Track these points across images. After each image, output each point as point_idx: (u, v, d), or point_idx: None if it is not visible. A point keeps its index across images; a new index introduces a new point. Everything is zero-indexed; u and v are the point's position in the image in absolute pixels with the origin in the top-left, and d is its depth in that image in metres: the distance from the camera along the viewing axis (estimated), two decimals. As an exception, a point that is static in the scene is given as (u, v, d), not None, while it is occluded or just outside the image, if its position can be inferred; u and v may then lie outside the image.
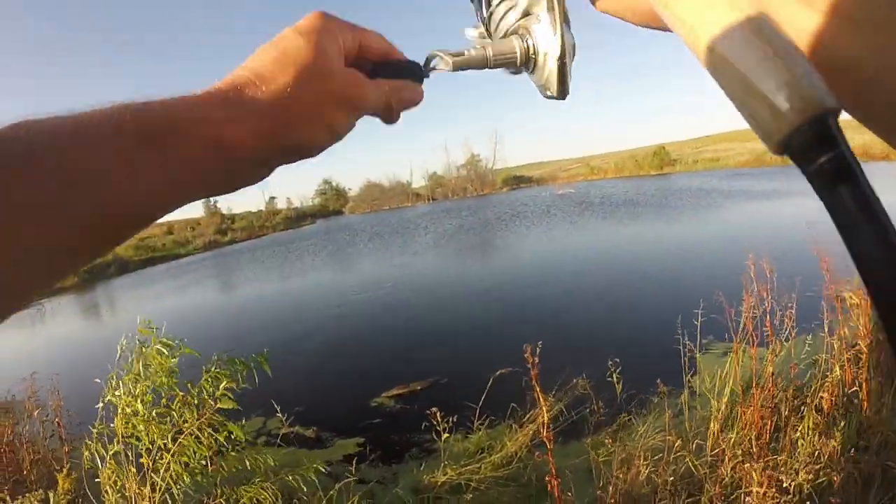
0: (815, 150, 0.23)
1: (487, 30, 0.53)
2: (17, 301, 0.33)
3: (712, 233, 13.31)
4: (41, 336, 15.41)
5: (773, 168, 30.78)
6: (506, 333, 7.44)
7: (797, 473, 2.71)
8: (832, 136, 0.23)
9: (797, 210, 13.18)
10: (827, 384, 3.29)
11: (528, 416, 4.53)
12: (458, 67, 0.50)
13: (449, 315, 9.62)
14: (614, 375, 4.21)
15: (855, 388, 3.20)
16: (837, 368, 3.32)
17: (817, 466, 2.71)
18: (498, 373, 4.86)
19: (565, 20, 0.46)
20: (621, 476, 3.27)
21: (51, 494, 3.36)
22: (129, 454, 3.01)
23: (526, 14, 0.48)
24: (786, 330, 3.58)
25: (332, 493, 3.69)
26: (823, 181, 0.23)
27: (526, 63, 0.48)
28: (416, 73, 0.53)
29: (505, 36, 0.50)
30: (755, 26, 0.25)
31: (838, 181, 0.23)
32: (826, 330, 3.68)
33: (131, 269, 32.56)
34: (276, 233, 46.57)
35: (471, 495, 3.91)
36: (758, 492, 2.67)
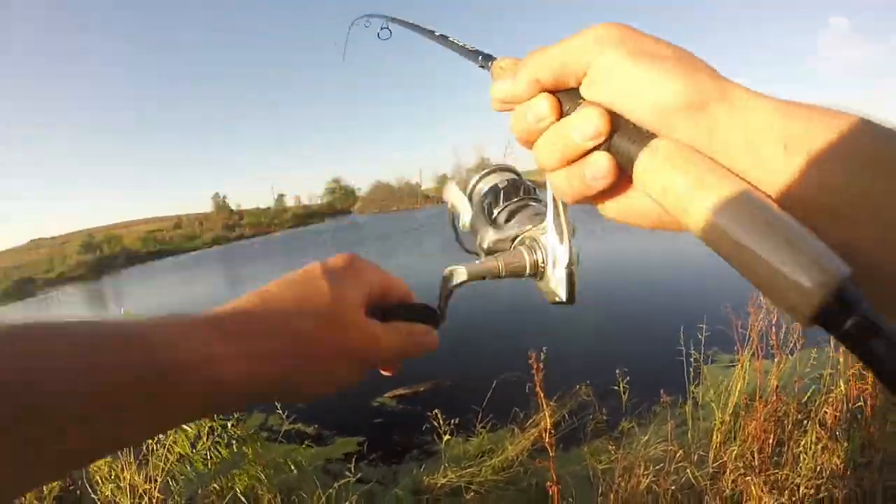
0: (841, 317, 0.26)
1: (494, 230, 0.54)
2: None
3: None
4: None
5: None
6: (510, 337, 7.48)
7: (798, 488, 2.72)
8: (853, 302, 0.26)
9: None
10: (831, 399, 3.29)
11: (530, 420, 4.56)
12: (472, 278, 0.53)
13: (454, 317, 9.59)
14: (620, 384, 4.23)
15: (859, 404, 3.20)
16: (842, 384, 3.32)
17: (819, 482, 2.72)
18: (502, 376, 4.89)
19: (571, 231, 0.48)
20: (622, 484, 3.28)
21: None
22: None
23: (532, 219, 0.51)
24: (791, 343, 3.58)
25: (331, 491, 3.70)
26: (854, 341, 0.26)
27: (534, 273, 0.50)
28: (432, 317, 0.54)
29: (512, 244, 0.52)
30: (769, 217, 0.29)
31: (868, 337, 0.25)
32: (832, 344, 3.68)
33: (139, 261, 33.01)
34: (285, 230, 46.58)
35: (470, 498, 3.94)
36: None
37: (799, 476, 2.79)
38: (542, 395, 3.18)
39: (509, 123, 0.41)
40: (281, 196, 64.70)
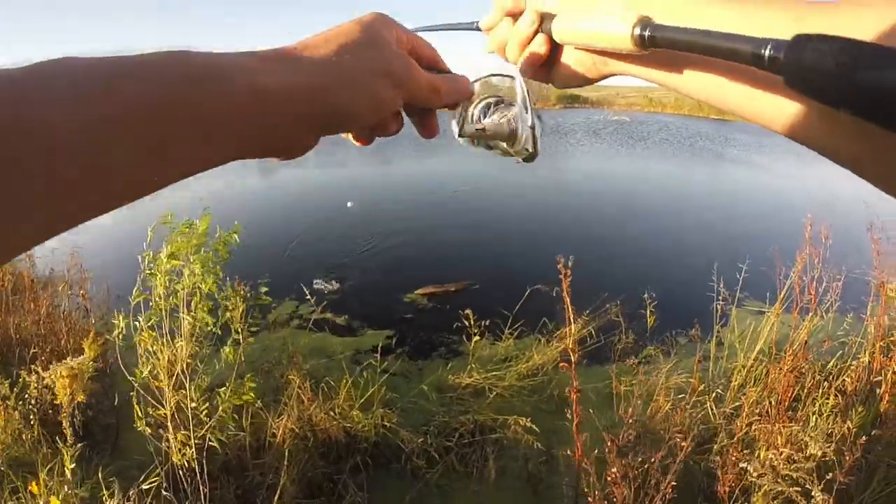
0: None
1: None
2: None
3: (767, 188, 13.16)
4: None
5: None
6: (545, 247, 7.58)
7: (807, 447, 3.09)
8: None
9: (857, 183, 13.24)
10: (854, 367, 3.62)
11: (558, 331, 4.94)
12: (467, 133, 0.69)
13: (490, 222, 10.04)
14: (648, 309, 4.53)
15: (879, 378, 3.51)
16: (867, 355, 3.62)
17: (828, 446, 3.09)
18: (534, 285, 5.19)
19: (533, 104, 0.67)
20: (640, 407, 3.66)
21: (76, 361, 3.69)
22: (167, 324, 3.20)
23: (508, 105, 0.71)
24: (828, 302, 3.83)
25: (359, 380, 4.11)
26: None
27: (510, 135, 0.68)
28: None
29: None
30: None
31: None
32: (868, 314, 3.96)
33: None
34: None
35: (493, 400, 4.39)
36: (770, 451, 3.04)
37: (809, 436, 3.15)
38: (568, 300, 3.42)
39: (487, 46, 0.65)
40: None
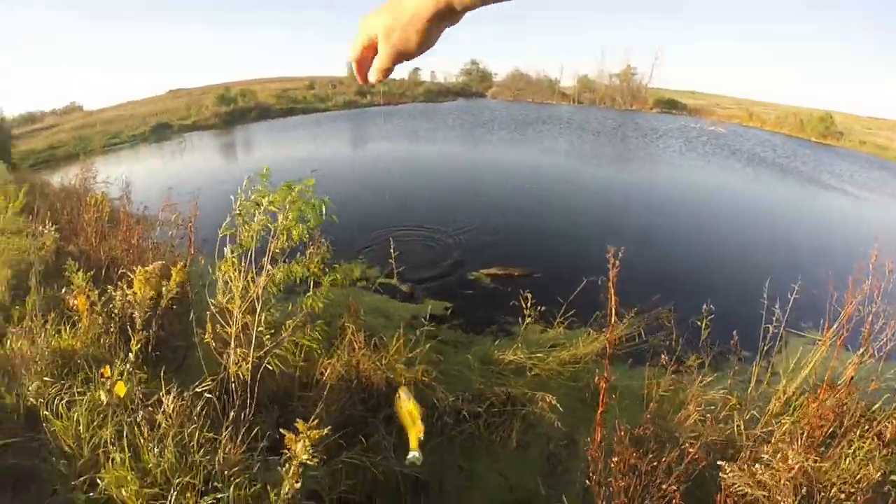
0: None
1: None
2: None
3: (849, 219, 12.42)
4: (180, 164, 17.37)
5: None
6: (613, 244, 7.57)
7: (832, 487, 2.98)
8: None
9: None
10: None
11: (607, 327, 4.91)
12: None
13: (564, 214, 10.18)
14: (704, 321, 4.41)
15: (924, 431, 3.27)
16: None
17: (854, 489, 2.96)
18: (591, 278, 5.18)
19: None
20: (669, 410, 3.73)
21: (164, 284, 3.98)
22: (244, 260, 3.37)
23: None
24: (882, 340, 3.56)
25: (410, 338, 4.34)
26: None
27: None
28: None
29: None
30: None
31: None
32: None
33: (272, 116, 35.02)
34: (416, 103, 46.14)
35: (530, 378, 4.51)
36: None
37: (836, 477, 3.03)
38: (612, 291, 3.33)
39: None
40: (416, 69, 62.36)
